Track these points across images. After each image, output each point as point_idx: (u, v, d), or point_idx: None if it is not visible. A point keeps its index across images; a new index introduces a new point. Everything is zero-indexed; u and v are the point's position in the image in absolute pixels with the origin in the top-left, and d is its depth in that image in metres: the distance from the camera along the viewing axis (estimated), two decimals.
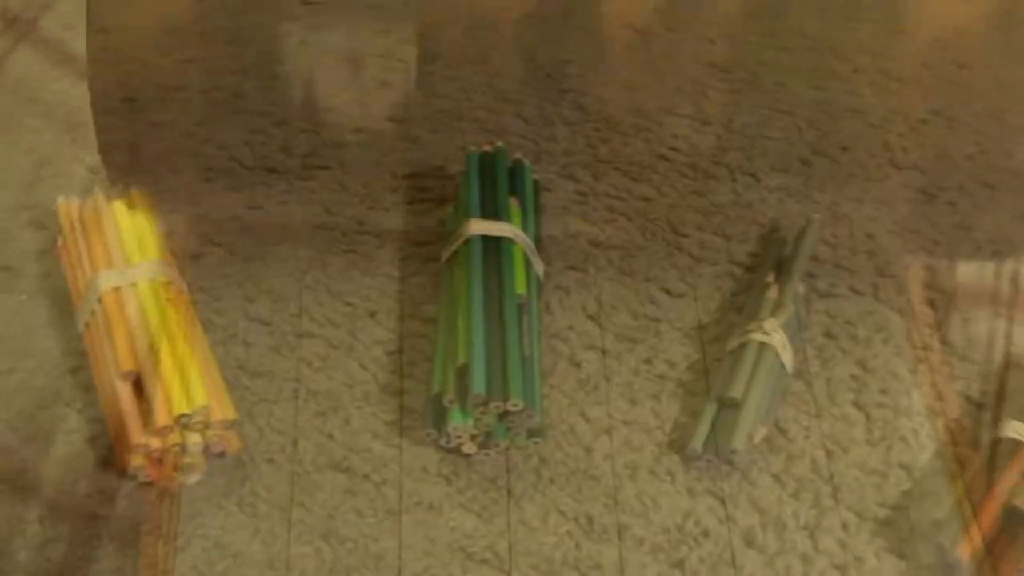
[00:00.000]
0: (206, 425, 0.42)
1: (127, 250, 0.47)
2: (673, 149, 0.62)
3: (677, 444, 0.45)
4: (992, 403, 0.47)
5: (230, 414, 0.42)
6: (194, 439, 0.41)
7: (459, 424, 0.43)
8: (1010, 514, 0.40)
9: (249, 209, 0.57)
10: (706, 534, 0.42)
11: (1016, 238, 0.56)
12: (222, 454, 0.43)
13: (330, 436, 0.46)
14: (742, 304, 0.52)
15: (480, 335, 0.44)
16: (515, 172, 0.55)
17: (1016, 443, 0.42)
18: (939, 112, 0.65)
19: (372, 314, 0.51)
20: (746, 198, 0.59)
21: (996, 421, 0.45)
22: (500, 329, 0.45)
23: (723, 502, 0.43)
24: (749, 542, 0.42)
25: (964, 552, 0.39)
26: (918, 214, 0.58)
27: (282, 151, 0.61)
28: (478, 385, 0.42)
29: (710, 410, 0.45)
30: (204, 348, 0.45)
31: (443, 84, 0.67)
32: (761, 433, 0.45)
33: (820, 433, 0.46)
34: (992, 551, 0.39)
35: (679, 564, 0.41)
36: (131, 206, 0.51)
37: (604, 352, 0.50)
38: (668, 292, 0.53)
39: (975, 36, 0.71)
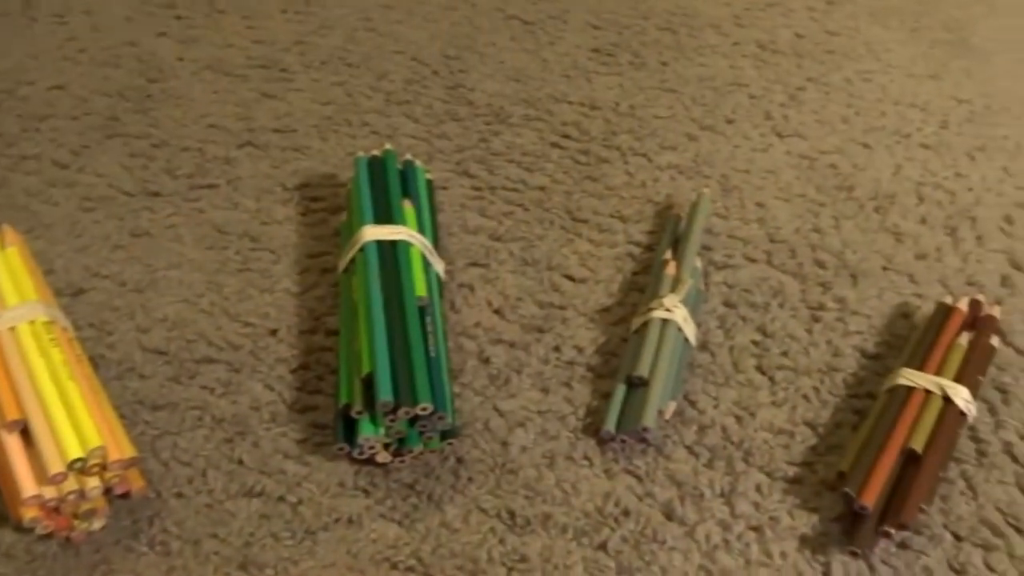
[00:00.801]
0: (104, 467, 0.40)
1: (2, 293, 0.45)
2: (565, 136, 0.63)
3: (591, 428, 0.46)
4: (885, 354, 0.49)
5: (129, 452, 0.41)
6: (92, 483, 0.40)
7: (370, 435, 0.42)
8: (908, 457, 0.42)
9: (134, 237, 0.55)
10: (626, 513, 0.43)
11: (893, 191, 0.58)
12: (126, 495, 0.42)
13: (240, 462, 0.45)
14: (644, 284, 0.53)
15: (383, 342, 0.43)
16: (407, 174, 0.54)
17: (908, 389, 0.44)
18: (814, 79, 0.68)
19: (273, 332, 0.50)
20: (639, 178, 0.60)
21: (889, 371, 0.47)
22: (403, 334, 0.44)
23: (640, 479, 0.44)
24: (669, 516, 0.42)
25: (869, 499, 0.40)
26: (803, 179, 0.60)
27: (165, 173, 0.59)
28: (385, 393, 0.41)
29: (620, 391, 0.46)
30: (96, 386, 0.43)
31: (329, 90, 0.66)
32: (671, 408, 0.46)
33: (728, 401, 0.47)
34: (895, 494, 0.41)
35: (603, 546, 0.41)
36: (3, 245, 0.48)
37: (512, 345, 0.50)
38: (571, 278, 0.53)
39: (841, 5, 0.74)
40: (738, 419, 0.46)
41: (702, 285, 0.52)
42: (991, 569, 0.40)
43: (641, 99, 0.66)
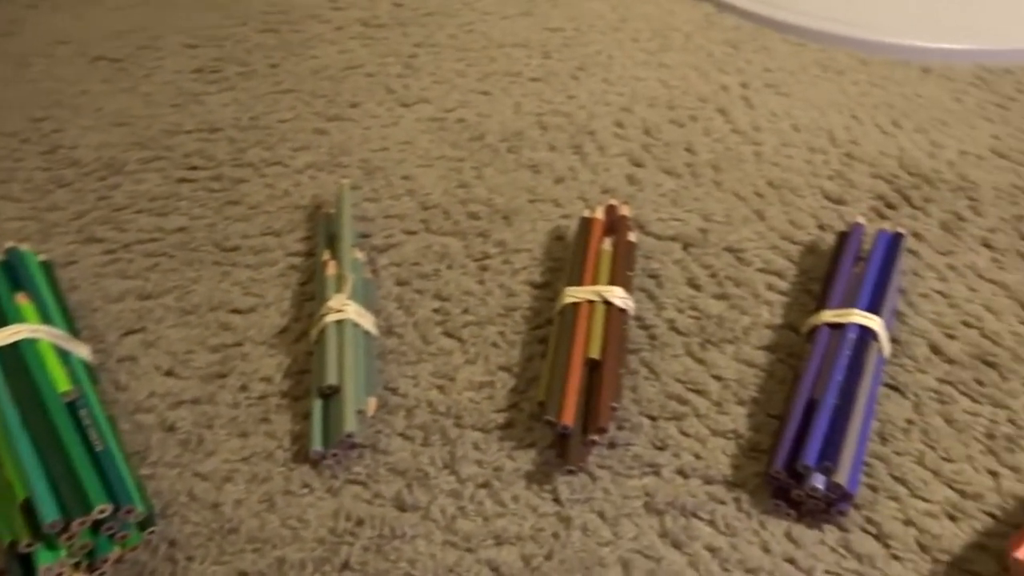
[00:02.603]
0: None
1: None
2: (191, 168, 0.59)
3: (302, 454, 0.44)
4: (551, 280, 0.52)
5: None
6: None
7: (51, 563, 0.37)
8: (592, 366, 0.45)
9: None
10: (360, 523, 0.42)
11: (519, 128, 0.62)
12: None
13: None
14: (314, 292, 0.51)
15: (32, 458, 0.38)
16: (12, 265, 0.48)
17: (575, 305, 0.47)
18: (422, 44, 0.69)
19: None
20: (281, 188, 0.58)
21: (558, 294, 0.50)
22: (54, 440, 0.39)
23: (365, 484, 0.43)
24: (401, 507, 0.42)
25: (568, 418, 0.43)
26: (438, 141, 0.61)
27: None
28: (49, 514, 0.36)
29: (317, 407, 0.44)
30: None
31: None
32: (373, 404, 0.45)
33: (426, 375, 0.47)
34: (589, 404, 0.44)
35: (346, 565, 0.40)
36: None
37: (196, 401, 0.46)
38: (238, 311, 0.51)
39: None
40: (440, 389, 0.47)
41: (368, 274, 0.52)
42: (686, 435, 0.45)
43: (260, 108, 0.64)
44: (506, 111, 0.63)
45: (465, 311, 0.51)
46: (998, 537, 0.40)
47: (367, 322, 0.47)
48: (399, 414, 0.46)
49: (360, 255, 0.52)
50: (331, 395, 0.44)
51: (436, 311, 0.50)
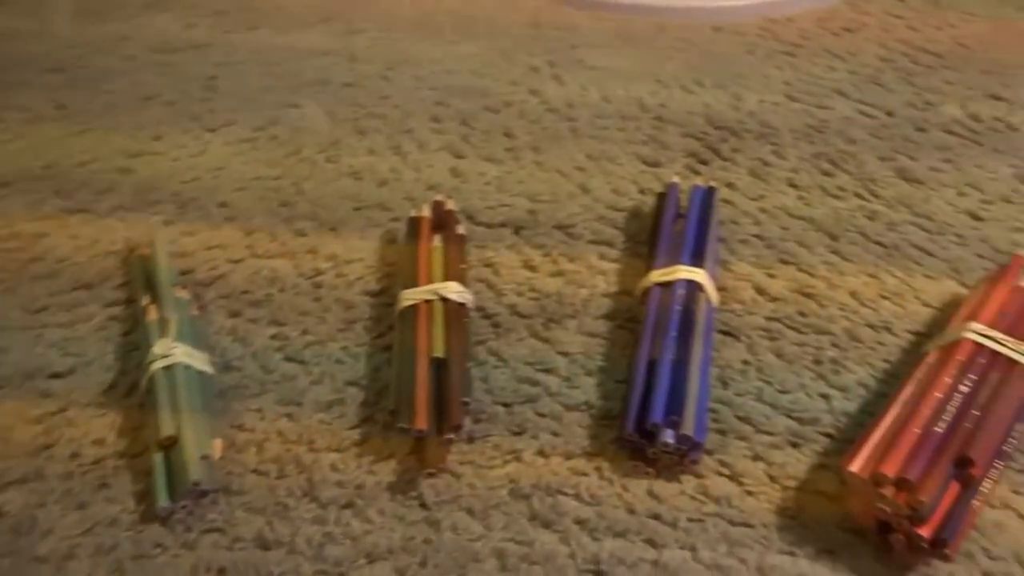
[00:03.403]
0: None
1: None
2: None
3: (149, 513, 0.42)
4: (388, 285, 0.51)
5: None
6: None
7: None
8: (439, 365, 0.45)
9: None
10: (223, 571, 0.40)
11: (336, 137, 0.60)
12: None
13: None
14: (138, 341, 0.48)
15: None
16: None
17: (412, 307, 0.47)
18: (222, 63, 0.67)
19: None
20: (87, 238, 0.54)
21: (395, 299, 0.49)
22: None
23: (222, 531, 0.41)
24: (265, 546, 0.40)
25: (421, 423, 0.42)
26: (252, 161, 0.59)
27: None
28: None
29: (157, 460, 0.42)
30: None
31: None
32: (219, 446, 0.43)
33: (272, 405, 0.46)
34: (439, 405, 0.43)
35: None
36: None
37: (23, 480, 0.42)
38: (58, 376, 0.47)
39: None
40: (289, 416, 0.45)
41: (195, 311, 0.49)
42: (541, 415, 0.45)
43: (53, 154, 0.59)
44: (320, 121, 0.62)
45: (304, 332, 0.49)
46: (836, 455, 0.42)
47: (200, 362, 0.45)
48: (249, 450, 0.44)
49: (183, 293, 0.49)
50: (171, 446, 0.42)
51: (273, 337, 0.49)
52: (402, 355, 0.45)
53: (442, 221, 0.51)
